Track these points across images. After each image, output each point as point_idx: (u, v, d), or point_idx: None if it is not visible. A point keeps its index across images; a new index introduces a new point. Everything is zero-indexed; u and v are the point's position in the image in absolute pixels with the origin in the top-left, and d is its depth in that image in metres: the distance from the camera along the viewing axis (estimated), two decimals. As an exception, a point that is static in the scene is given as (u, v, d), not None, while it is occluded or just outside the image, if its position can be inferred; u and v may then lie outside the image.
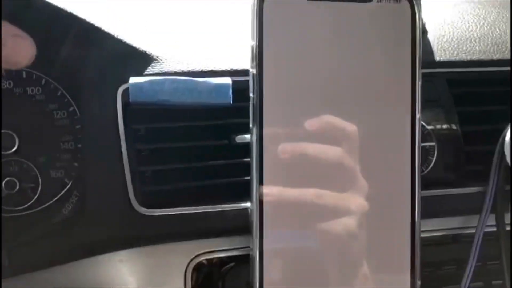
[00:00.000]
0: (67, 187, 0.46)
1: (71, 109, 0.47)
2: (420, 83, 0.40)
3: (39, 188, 0.46)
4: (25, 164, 0.46)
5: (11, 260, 0.45)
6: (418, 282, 0.40)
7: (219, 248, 0.46)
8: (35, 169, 0.46)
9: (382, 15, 0.39)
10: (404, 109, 0.39)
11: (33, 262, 0.45)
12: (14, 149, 0.46)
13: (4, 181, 0.45)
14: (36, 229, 0.46)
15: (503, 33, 0.53)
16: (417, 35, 0.40)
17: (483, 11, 0.58)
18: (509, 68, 0.49)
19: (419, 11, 0.39)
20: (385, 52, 0.39)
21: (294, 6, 0.38)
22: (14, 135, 0.46)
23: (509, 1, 0.58)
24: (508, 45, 0.52)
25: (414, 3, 0.39)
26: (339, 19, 0.39)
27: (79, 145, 0.46)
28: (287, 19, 0.38)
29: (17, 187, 0.46)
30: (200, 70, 0.47)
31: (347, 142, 0.38)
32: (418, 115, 0.40)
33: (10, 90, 0.47)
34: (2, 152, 0.46)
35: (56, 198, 0.45)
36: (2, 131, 0.47)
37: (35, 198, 0.46)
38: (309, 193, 0.39)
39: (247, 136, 0.41)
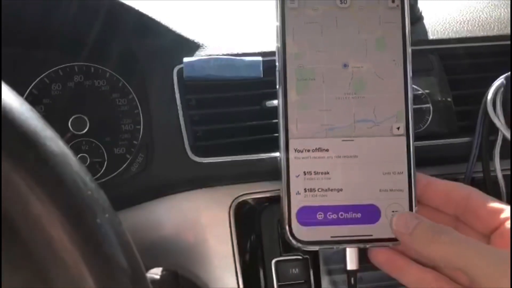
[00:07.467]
0: (133, 152, 0.52)
1: (130, 96, 0.53)
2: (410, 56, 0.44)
3: (105, 163, 0.52)
4: (94, 143, 0.52)
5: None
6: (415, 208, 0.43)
7: (256, 190, 0.50)
8: (101, 147, 0.52)
9: (380, 10, 0.45)
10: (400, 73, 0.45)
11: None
12: (85, 130, 0.52)
13: (78, 157, 0.48)
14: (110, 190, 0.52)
15: (488, 17, 0.58)
16: (406, 20, 0.45)
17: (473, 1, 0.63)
18: (489, 43, 0.55)
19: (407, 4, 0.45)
20: (384, 33, 0.45)
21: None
22: (86, 119, 0.52)
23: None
24: (492, 25, 0.57)
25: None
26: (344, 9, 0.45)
27: (137, 126, 0.52)
28: (303, 7, 0.44)
29: (88, 161, 0.52)
30: (237, 52, 0.52)
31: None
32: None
33: (81, 83, 0.53)
34: (76, 132, 0.52)
35: (123, 167, 0.52)
36: (76, 115, 0.52)
37: (102, 170, 0.52)
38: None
39: (275, 101, 0.47)
